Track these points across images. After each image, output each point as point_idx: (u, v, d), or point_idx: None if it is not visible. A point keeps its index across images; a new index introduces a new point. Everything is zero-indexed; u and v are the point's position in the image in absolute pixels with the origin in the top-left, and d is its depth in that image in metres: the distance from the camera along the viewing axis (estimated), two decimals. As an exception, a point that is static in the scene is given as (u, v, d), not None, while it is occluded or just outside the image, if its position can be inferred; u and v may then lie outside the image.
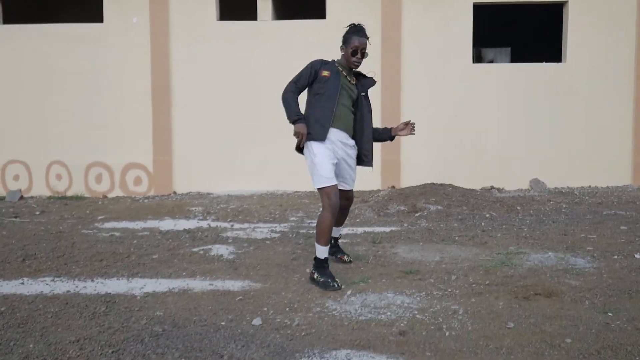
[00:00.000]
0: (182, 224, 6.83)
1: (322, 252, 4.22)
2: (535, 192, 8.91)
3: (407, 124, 4.61)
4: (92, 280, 4.41)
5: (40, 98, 9.67)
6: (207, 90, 9.53)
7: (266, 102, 9.43)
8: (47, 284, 4.33)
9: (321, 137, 4.26)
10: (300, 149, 4.35)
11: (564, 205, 7.67)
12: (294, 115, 4.19)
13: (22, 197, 9.44)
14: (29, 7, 10.78)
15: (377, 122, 9.30)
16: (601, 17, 9.08)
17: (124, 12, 9.50)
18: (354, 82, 4.44)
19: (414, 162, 9.35)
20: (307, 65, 4.35)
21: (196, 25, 9.46)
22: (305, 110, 4.35)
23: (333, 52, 9.60)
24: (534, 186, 9.23)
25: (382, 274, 4.51)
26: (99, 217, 7.48)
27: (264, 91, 9.42)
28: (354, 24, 4.40)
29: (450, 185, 8.74)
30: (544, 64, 9.34)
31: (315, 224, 5.01)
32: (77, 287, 4.24)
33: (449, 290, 4.08)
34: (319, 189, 4.20)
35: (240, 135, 9.56)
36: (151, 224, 6.94)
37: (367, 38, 4.35)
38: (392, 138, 4.72)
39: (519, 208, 7.52)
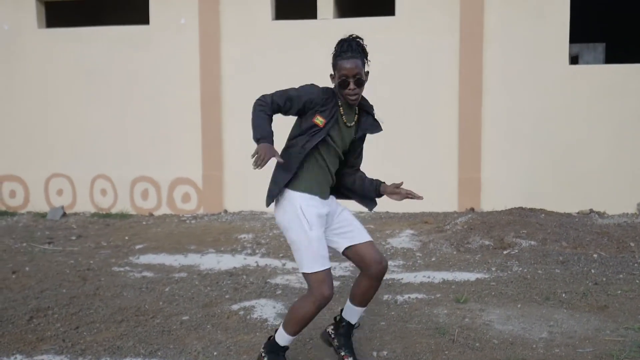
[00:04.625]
0: (226, 262, 5.85)
1: (284, 339, 3.08)
2: (645, 219, 7.46)
3: (398, 186, 3.19)
4: (98, 363, 3.47)
5: (85, 107, 8.94)
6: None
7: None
8: (41, 368, 3.42)
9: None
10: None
11: (690, 242, 6.23)
12: None
13: (64, 214, 8.76)
14: (71, 9, 10.09)
15: (452, 137, 8.10)
16: None
17: (172, 13, 8.62)
18: (351, 124, 3.15)
19: (497, 181, 8.05)
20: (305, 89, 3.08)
21: (250, 26, 8.47)
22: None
23: (401, 52, 8.38)
24: (642, 210, 7.77)
25: (475, 365, 3.36)
26: (137, 247, 6.62)
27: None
28: (342, 39, 3.08)
29: (542, 210, 7.41)
30: (657, 64, 7.83)
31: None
32: (75, 376, 3.31)
33: (575, 404, 2.90)
34: (307, 273, 2.96)
35: (298, 148, 8.51)
36: (192, 259, 5.99)
37: (364, 56, 3.07)
38: (379, 196, 3.29)
39: (632, 245, 6.14)
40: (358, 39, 3.10)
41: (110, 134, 8.90)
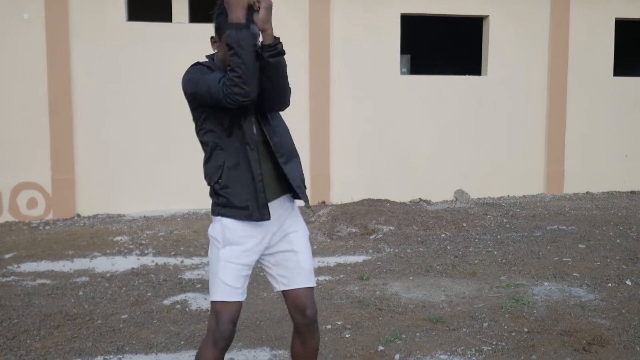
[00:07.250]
0: (121, 263, 5.87)
1: None
2: (461, 204, 9.00)
3: None
4: (74, 364, 3.50)
5: None
6: (114, 98, 8.41)
7: (182, 112, 8.53)
8: (16, 377, 3.36)
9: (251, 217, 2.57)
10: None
11: (505, 220, 7.77)
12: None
13: None
14: None
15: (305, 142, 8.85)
16: (518, 32, 9.37)
17: (11, 6, 8.05)
18: None
19: (344, 177, 9.02)
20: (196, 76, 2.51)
21: (102, 25, 8.28)
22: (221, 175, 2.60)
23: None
24: (458, 197, 9.33)
25: (409, 325, 4.09)
26: (6, 256, 6.23)
27: (180, 100, 8.51)
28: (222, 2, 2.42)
29: (386, 200, 8.53)
30: (467, 77, 9.45)
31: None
32: (61, 378, 3.33)
33: (495, 342, 3.78)
34: (211, 301, 2.53)
35: (154, 150, 8.57)
36: (81, 263, 5.88)
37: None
38: None
39: (465, 225, 7.48)
40: None
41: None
